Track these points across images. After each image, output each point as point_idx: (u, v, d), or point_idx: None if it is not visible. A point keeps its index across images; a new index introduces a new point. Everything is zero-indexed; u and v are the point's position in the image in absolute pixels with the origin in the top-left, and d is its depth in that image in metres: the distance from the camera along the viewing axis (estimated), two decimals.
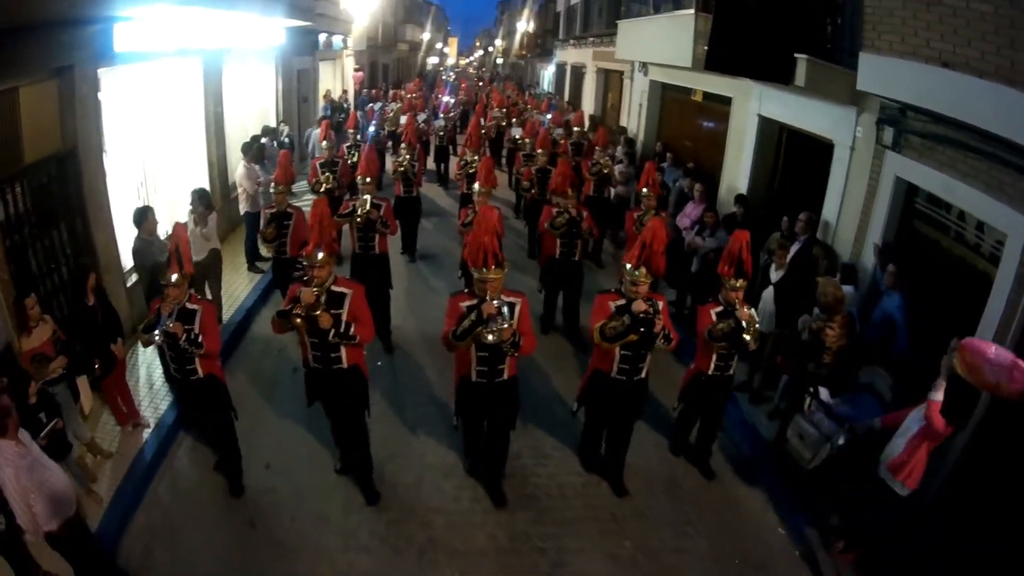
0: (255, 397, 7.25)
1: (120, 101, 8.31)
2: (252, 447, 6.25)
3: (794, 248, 7.62)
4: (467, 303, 5.11)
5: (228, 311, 8.91)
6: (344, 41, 22.89)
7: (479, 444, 5.93)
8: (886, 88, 6.27)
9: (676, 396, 6.38)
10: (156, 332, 5.02)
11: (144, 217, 7.11)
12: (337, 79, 23.10)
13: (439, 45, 64.04)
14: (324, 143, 11.34)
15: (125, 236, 7.77)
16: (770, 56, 7.72)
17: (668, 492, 6.20)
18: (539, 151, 11.51)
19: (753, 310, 5.71)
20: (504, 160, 17.56)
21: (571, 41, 26.38)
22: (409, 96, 21.37)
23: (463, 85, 29.35)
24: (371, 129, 16.61)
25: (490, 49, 70.74)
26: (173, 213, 9.57)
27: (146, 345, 5.40)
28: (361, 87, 26.15)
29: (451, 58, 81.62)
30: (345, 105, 20.97)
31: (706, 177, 10.92)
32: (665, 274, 5.83)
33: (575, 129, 15.13)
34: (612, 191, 11.85)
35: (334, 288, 5.28)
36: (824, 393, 5.80)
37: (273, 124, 14.89)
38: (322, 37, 19.18)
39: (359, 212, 7.76)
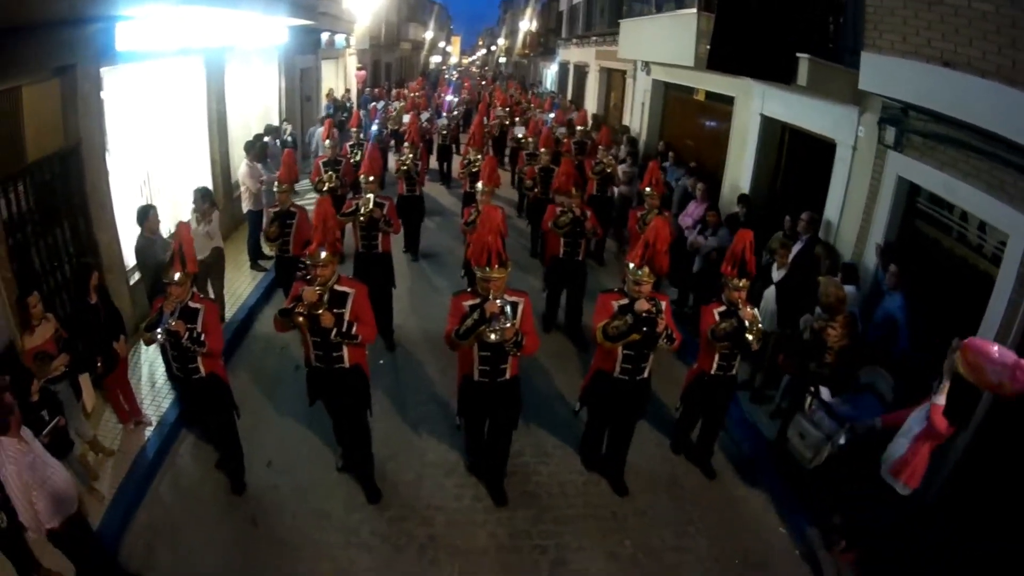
0: (257, 395, 7.26)
1: (123, 100, 8.32)
2: (254, 445, 6.26)
3: (796, 247, 7.62)
4: (470, 302, 5.11)
5: (231, 309, 8.92)
6: (347, 40, 22.91)
7: (481, 443, 5.93)
8: (888, 87, 6.26)
9: (679, 396, 6.38)
10: (158, 330, 5.02)
11: (146, 215, 7.13)
12: (340, 78, 23.11)
13: (442, 44, 64.11)
14: (327, 142, 11.36)
15: (128, 234, 7.80)
16: (772, 55, 7.72)
17: (669, 491, 6.21)
18: (542, 150, 11.51)
19: (756, 310, 5.72)
20: (507, 159, 17.54)
21: (574, 40, 26.39)
22: (412, 95, 21.38)
23: (466, 84, 29.37)
24: (374, 128, 16.58)
25: (493, 48, 70.73)
26: (176, 211, 9.60)
27: (148, 344, 5.41)
28: (364, 86, 26.19)
29: (454, 57, 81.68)
30: (348, 104, 20.97)
31: (709, 176, 10.93)
32: (668, 273, 5.83)
33: (578, 128, 15.12)
34: (615, 190, 11.86)
35: (337, 287, 5.28)
36: (825, 392, 5.80)
37: (276, 123, 14.93)
38: (325, 36, 19.21)
39: (362, 211, 7.76)
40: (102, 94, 7.45)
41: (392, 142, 17.26)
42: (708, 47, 8.62)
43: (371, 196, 7.85)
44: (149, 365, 7.52)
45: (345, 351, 5.33)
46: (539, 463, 6.46)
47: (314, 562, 5.22)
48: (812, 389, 5.89)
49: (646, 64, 15.20)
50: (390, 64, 36.38)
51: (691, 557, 5.49)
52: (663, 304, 5.40)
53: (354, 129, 13.24)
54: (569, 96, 26.42)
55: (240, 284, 9.87)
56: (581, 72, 25.22)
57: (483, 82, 40.25)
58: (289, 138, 14.28)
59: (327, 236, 5.26)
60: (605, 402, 5.82)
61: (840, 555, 5.33)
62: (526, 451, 6.54)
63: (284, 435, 6.66)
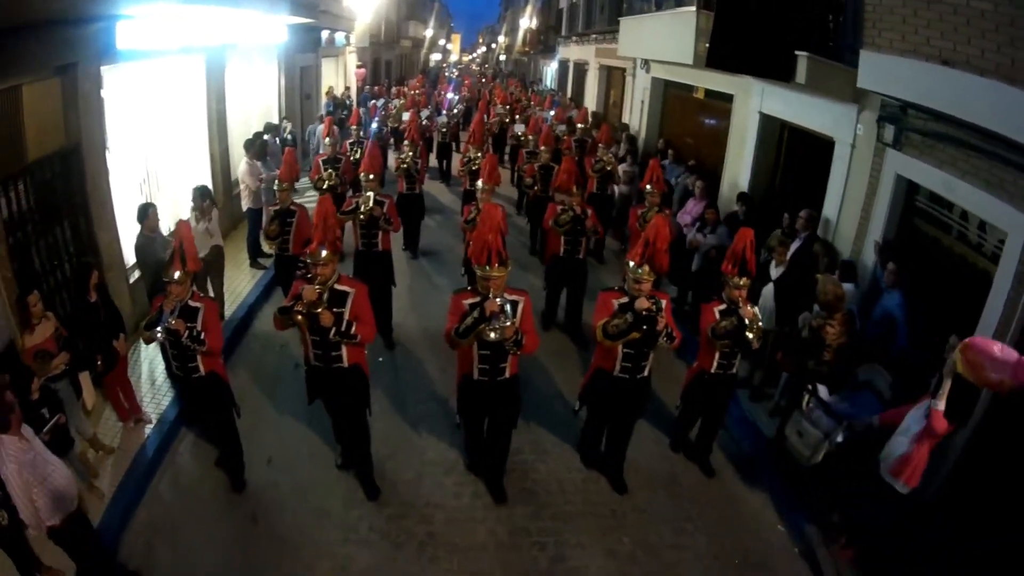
0: (256, 393, 7.28)
1: (123, 98, 8.33)
2: (253, 443, 6.28)
3: (795, 245, 7.63)
4: (470, 300, 5.11)
5: (230, 307, 8.94)
6: (347, 38, 22.91)
7: (480, 442, 5.94)
8: (886, 86, 6.26)
9: (678, 394, 6.39)
10: (158, 329, 5.03)
11: (146, 214, 7.15)
12: (340, 76, 23.12)
13: (442, 42, 64.12)
14: (327, 140, 11.36)
15: (128, 233, 7.81)
16: (771, 53, 7.72)
17: (668, 489, 6.22)
18: (542, 148, 11.51)
19: (756, 308, 5.72)
20: (507, 157, 17.55)
21: (574, 38, 26.37)
22: (412, 93, 21.38)
23: (466, 82, 29.38)
24: (374, 126, 16.61)
25: (493, 46, 70.71)
26: (176, 210, 9.62)
27: (148, 342, 5.43)
28: (364, 84, 26.18)
29: (454, 55, 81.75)
30: (348, 102, 20.98)
31: (708, 174, 10.93)
32: (667, 272, 5.83)
33: (579, 126, 15.12)
34: (616, 189, 11.86)
35: (337, 286, 5.28)
36: (823, 391, 5.81)
37: (276, 121, 14.93)
38: (325, 34, 19.20)
39: (362, 209, 7.77)
40: (103, 93, 7.45)
41: (392, 140, 17.26)
42: (707, 45, 8.61)
43: (371, 194, 7.85)
44: (149, 363, 7.53)
45: (344, 350, 5.33)
46: (538, 460, 6.47)
47: (314, 559, 5.23)
48: (810, 387, 5.91)
49: (646, 62, 15.18)
50: (390, 62, 36.35)
51: (690, 555, 5.50)
52: (663, 302, 5.40)
53: (354, 127, 13.26)
54: (569, 94, 26.39)
55: (240, 282, 9.88)
56: (581, 70, 25.20)
57: (483, 80, 40.29)
58: (289, 136, 14.28)
59: (327, 235, 5.26)
60: (605, 401, 5.82)
61: (839, 552, 5.34)
62: (525, 448, 6.55)
63: (284, 433, 6.67)
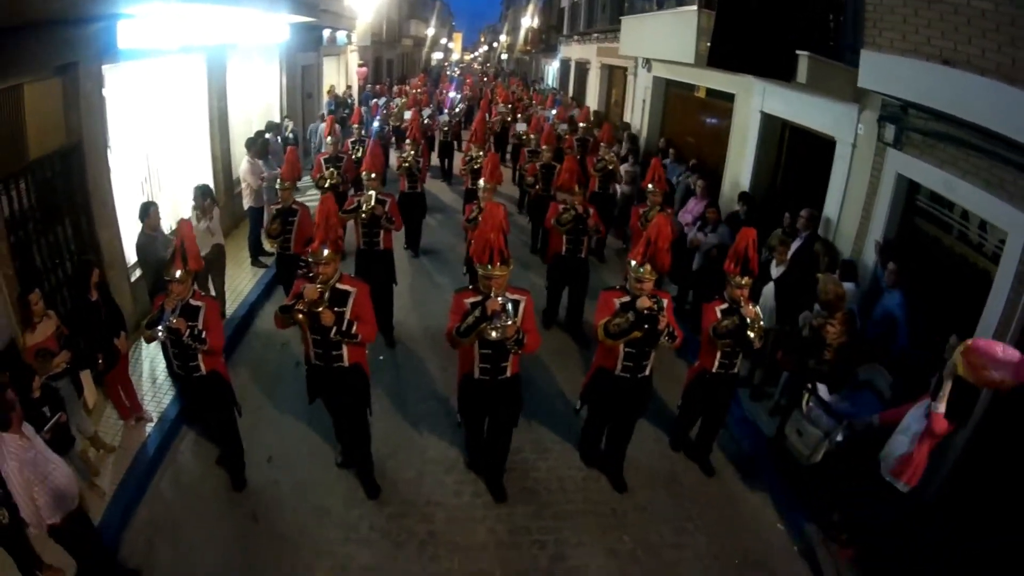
0: (257, 392, 7.29)
1: (124, 97, 8.34)
2: (254, 441, 6.29)
3: (795, 244, 7.63)
4: (471, 299, 5.10)
5: (231, 305, 8.95)
6: (348, 37, 22.92)
7: (481, 441, 5.95)
8: (887, 85, 6.26)
9: (679, 394, 6.39)
10: (159, 328, 5.03)
11: (147, 212, 7.16)
12: (341, 75, 23.13)
13: (444, 41, 64.08)
14: (329, 138, 11.37)
15: (129, 232, 7.83)
16: (772, 53, 7.72)
17: (668, 488, 6.22)
18: (544, 147, 11.51)
19: (758, 308, 5.73)
20: (509, 156, 17.55)
21: (575, 37, 26.36)
22: (414, 91, 21.38)
23: (468, 81, 29.38)
24: (375, 125, 16.62)
25: (495, 45, 70.67)
26: (177, 208, 9.64)
27: (149, 341, 5.44)
28: (365, 83, 26.19)
29: (456, 54, 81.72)
30: (349, 101, 20.99)
31: (709, 173, 10.92)
32: (669, 271, 5.84)
33: (580, 125, 15.11)
34: (618, 188, 11.86)
35: (339, 286, 5.28)
36: (823, 390, 5.81)
37: (277, 119, 14.94)
38: (326, 33, 19.22)
39: (364, 208, 7.77)
40: (104, 92, 7.46)
41: (394, 139, 17.27)
42: (709, 44, 8.61)
43: (373, 193, 7.85)
44: (150, 361, 7.54)
45: (345, 350, 5.33)
46: (538, 459, 6.48)
47: (314, 558, 5.24)
48: (810, 386, 5.91)
49: (647, 61, 15.18)
50: (392, 61, 36.36)
51: (690, 554, 5.51)
52: (665, 302, 5.41)
53: (356, 126, 13.26)
54: (570, 93, 26.39)
55: (241, 280, 9.90)
56: (582, 69, 25.19)
57: (485, 79, 40.29)
58: (290, 135, 14.29)
59: (329, 234, 5.26)
60: (607, 400, 5.82)
61: (839, 552, 5.34)
62: (525, 447, 6.56)
63: (284, 431, 6.68)
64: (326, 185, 10.10)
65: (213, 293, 8.26)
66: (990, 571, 4.84)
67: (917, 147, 6.41)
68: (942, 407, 4.52)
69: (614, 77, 20.41)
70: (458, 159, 15.12)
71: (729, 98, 11.11)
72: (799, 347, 6.17)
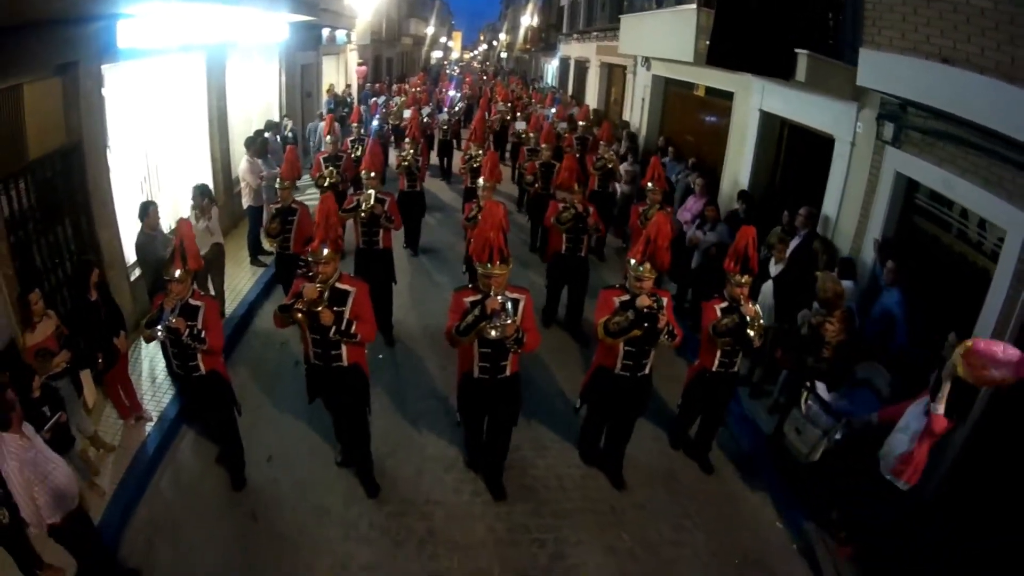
0: (257, 391, 7.30)
1: (124, 97, 8.34)
2: (254, 440, 6.29)
3: (794, 243, 7.63)
4: (471, 298, 5.10)
5: (231, 305, 8.95)
6: (348, 35, 22.90)
7: (480, 440, 5.95)
8: (886, 84, 6.26)
9: (678, 392, 6.40)
10: (159, 327, 5.03)
11: (147, 211, 7.16)
12: (341, 73, 23.11)
13: (443, 39, 64.03)
14: (328, 137, 11.38)
15: (129, 231, 7.83)
16: (771, 51, 7.73)
17: (667, 486, 6.23)
18: (543, 145, 11.49)
19: (758, 306, 5.73)
20: (508, 154, 17.55)
21: (575, 35, 26.36)
22: (413, 90, 21.36)
23: (467, 79, 29.37)
24: (375, 123, 16.63)
25: (494, 43, 70.67)
26: (176, 208, 9.64)
27: (148, 341, 5.44)
28: (365, 81, 26.17)
29: (455, 52, 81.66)
30: (349, 99, 20.98)
31: (708, 172, 10.92)
32: (668, 269, 5.84)
33: (580, 124, 15.11)
34: (617, 187, 11.86)
35: (338, 285, 5.28)
36: (821, 388, 5.82)
37: (277, 119, 14.94)
38: (326, 32, 19.20)
39: (363, 207, 7.77)
40: (103, 91, 7.46)
41: (393, 138, 17.25)
42: (708, 43, 8.62)
43: (372, 192, 7.84)
44: (149, 361, 7.55)
45: (344, 349, 5.33)
46: (537, 457, 6.49)
47: (313, 557, 5.25)
48: (808, 384, 5.91)
49: (646, 60, 15.18)
50: (391, 59, 36.35)
51: (688, 551, 5.52)
52: (664, 300, 5.41)
53: (355, 124, 13.26)
54: (570, 91, 26.38)
55: (240, 280, 9.90)
56: (582, 67, 25.19)
57: (484, 77, 40.27)
58: (290, 134, 14.29)
59: (329, 233, 5.26)
60: (606, 399, 5.82)
61: (838, 550, 5.35)
62: (524, 445, 6.56)
63: (284, 430, 6.69)
64: (325, 184, 10.10)
65: (212, 292, 8.26)
66: (990, 571, 4.84)
67: (916, 145, 6.41)
68: (941, 408, 4.53)
69: (613, 75, 20.41)
70: (457, 158, 15.12)
71: (728, 96, 11.11)
72: (798, 345, 6.18)
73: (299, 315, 5.06)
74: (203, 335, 5.18)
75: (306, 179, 13.04)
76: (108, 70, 7.57)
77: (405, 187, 10.94)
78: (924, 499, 5.25)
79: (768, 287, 7.22)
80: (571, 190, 8.22)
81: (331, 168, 10.50)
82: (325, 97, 19.62)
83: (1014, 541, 4.73)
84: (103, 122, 7.52)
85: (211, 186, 9.39)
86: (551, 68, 35.15)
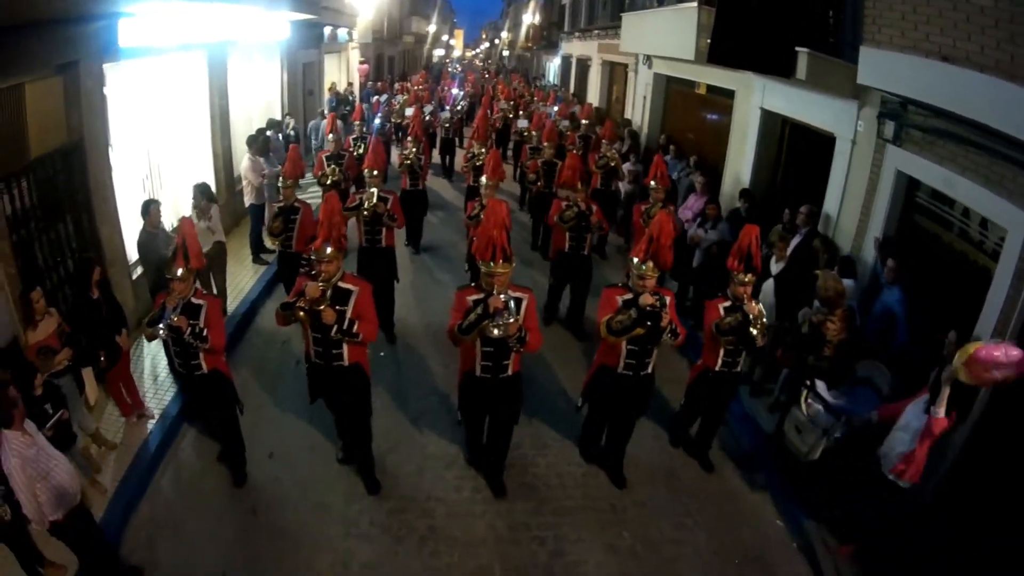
0: (259, 389, 7.31)
1: (125, 95, 8.36)
2: (255, 438, 6.31)
3: (795, 241, 7.63)
4: (474, 297, 5.10)
5: (232, 303, 8.97)
6: (349, 34, 22.90)
7: (481, 438, 5.96)
8: (886, 82, 6.26)
9: (679, 390, 6.40)
10: (161, 326, 5.03)
11: (148, 210, 7.18)
12: (342, 72, 23.12)
13: (445, 37, 63.99)
14: (330, 136, 11.39)
15: (130, 229, 7.85)
16: (772, 49, 7.73)
17: (667, 484, 6.24)
18: (545, 144, 11.48)
19: (760, 305, 5.73)
20: (510, 153, 17.55)
21: (576, 34, 26.36)
22: (415, 88, 21.36)
23: (470, 77, 29.36)
24: (377, 122, 16.62)
25: (496, 41, 70.61)
26: (178, 206, 9.65)
27: (150, 339, 5.45)
28: (366, 80, 26.17)
29: (457, 50, 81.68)
30: (351, 98, 20.98)
31: (709, 170, 10.91)
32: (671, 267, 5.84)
33: (583, 122, 15.10)
34: (620, 187, 11.85)
35: (341, 284, 5.27)
36: (821, 386, 5.82)
37: (278, 117, 14.94)
38: (327, 30, 19.20)
39: (366, 205, 7.78)
40: (105, 90, 7.48)
41: (395, 136, 17.26)
42: (709, 41, 8.61)
43: (375, 190, 7.85)
44: (151, 359, 7.57)
45: (345, 349, 5.32)
46: (538, 455, 6.50)
47: (314, 554, 5.26)
48: (808, 383, 5.91)
49: (648, 58, 15.18)
50: (393, 58, 36.33)
51: (689, 549, 5.52)
52: (667, 299, 5.41)
53: (357, 123, 13.26)
54: (571, 90, 26.39)
55: (242, 278, 9.92)
56: (584, 66, 25.20)
57: (486, 75, 40.27)
58: (291, 132, 14.29)
59: (333, 232, 5.26)
60: (608, 398, 5.81)
61: (838, 548, 5.36)
62: (525, 443, 6.57)
63: (285, 428, 6.70)
64: (328, 182, 10.10)
65: (214, 291, 8.28)
66: (990, 571, 4.85)
67: (916, 144, 6.41)
68: (941, 411, 4.55)
69: (615, 74, 20.41)
70: (460, 156, 15.09)
71: (729, 95, 11.11)
72: (798, 344, 6.17)
73: (301, 313, 5.06)
74: (205, 334, 5.18)
75: (308, 177, 13.05)
76: (109, 69, 7.59)
77: (407, 185, 10.93)
78: (924, 499, 5.25)
79: (769, 285, 7.22)
80: (574, 188, 8.21)
81: (333, 166, 10.50)
82: (327, 95, 19.62)
83: (1014, 542, 4.73)
84: (104, 121, 7.53)
85: (213, 184, 9.41)
86: (553, 66, 35.15)
